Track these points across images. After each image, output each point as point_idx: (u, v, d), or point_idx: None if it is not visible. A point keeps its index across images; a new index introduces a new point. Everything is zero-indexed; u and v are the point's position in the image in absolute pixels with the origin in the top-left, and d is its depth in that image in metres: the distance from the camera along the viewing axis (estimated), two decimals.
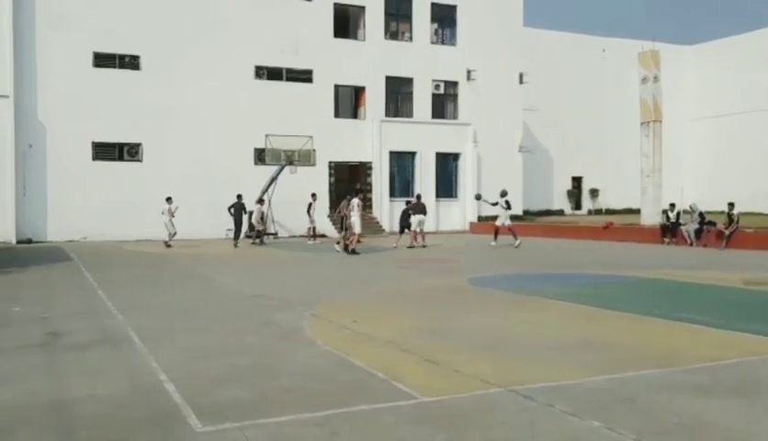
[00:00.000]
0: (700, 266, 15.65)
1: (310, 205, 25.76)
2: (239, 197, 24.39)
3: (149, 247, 23.30)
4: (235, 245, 23.53)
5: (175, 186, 26.71)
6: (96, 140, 27.51)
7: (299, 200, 26.95)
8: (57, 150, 26.78)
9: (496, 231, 23.12)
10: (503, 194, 23.05)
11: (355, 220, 19.96)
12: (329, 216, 21.66)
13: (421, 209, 23.10)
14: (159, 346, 7.30)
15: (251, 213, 26.12)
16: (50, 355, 7.01)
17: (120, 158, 28.00)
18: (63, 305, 10.54)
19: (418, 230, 22.80)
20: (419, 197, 24.43)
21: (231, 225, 24.63)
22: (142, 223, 26.62)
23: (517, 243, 22.09)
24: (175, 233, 23.64)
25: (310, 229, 25.69)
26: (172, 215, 23.63)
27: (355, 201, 20.30)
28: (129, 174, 27.79)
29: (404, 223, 23.02)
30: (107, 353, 7.09)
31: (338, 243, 20.85)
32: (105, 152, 27.69)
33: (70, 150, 26.93)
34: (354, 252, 19.41)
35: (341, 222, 20.94)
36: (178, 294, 11.84)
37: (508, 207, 23.14)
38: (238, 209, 24.14)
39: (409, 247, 22.06)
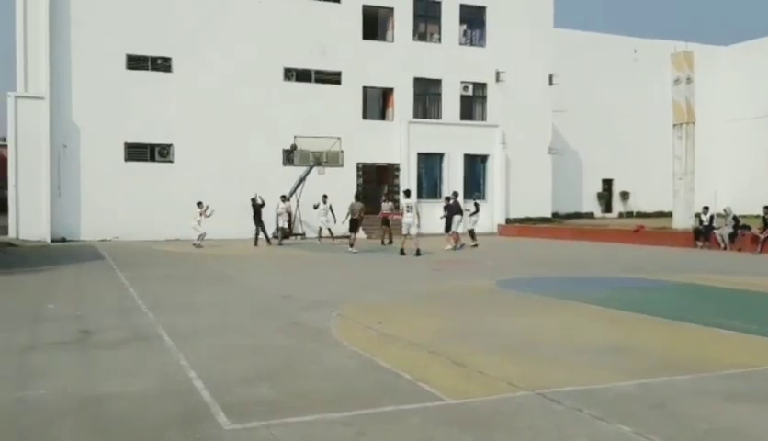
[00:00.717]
0: (733, 271, 15.36)
1: (316, 205, 26.08)
2: (253, 200, 24.67)
3: (179, 247, 23.60)
4: (255, 244, 24.14)
5: (205, 187, 27.04)
6: (129, 140, 27.97)
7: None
8: (90, 150, 27.27)
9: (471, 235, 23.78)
10: (477, 197, 24.07)
11: (410, 220, 19.78)
12: (352, 218, 21.55)
13: (457, 209, 22.90)
14: (188, 345, 7.39)
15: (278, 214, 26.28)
16: (83, 352, 7.16)
17: (152, 159, 28.42)
18: (96, 303, 10.74)
19: (460, 230, 22.75)
20: (455, 194, 24.04)
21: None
22: (173, 223, 26.96)
23: (448, 247, 22.08)
24: (204, 234, 23.94)
25: (321, 229, 25.89)
26: (202, 217, 23.93)
27: (407, 202, 20.15)
28: (160, 174, 28.18)
29: (448, 224, 22.81)
30: (138, 350, 7.22)
31: (351, 245, 20.91)
32: (137, 152, 28.14)
33: (103, 150, 27.41)
34: (417, 253, 19.10)
35: (356, 225, 21.09)
36: (207, 293, 11.99)
37: (476, 210, 24.12)
38: (256, 210, 24.48)
39: (454, 248, 21.95)
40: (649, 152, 40.81)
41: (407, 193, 20.91)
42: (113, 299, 11.23)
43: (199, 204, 24.23)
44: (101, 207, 27.06)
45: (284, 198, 26.19)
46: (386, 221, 25.55)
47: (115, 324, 8.76)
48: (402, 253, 19.46)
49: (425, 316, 9.36)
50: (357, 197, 22.56)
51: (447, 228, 22.59)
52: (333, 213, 25.77)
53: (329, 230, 26.00)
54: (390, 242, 24.53)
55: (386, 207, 27.04)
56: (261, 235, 24.64)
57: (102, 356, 6.94)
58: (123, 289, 12.37)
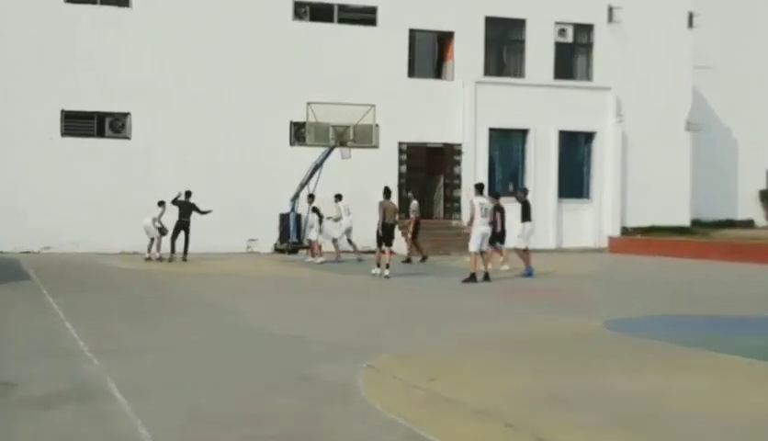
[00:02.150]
0: None
1: (337, 218, 26.13)
2: (188, 194, 24.97)
3: (138, 263, 23.85)
4: (167, 259, 24.55)
5: (176, 176, 27.21)
6: (67, 107, 28.36)
7: (354, 197, 27.02)
8: (9, 121, 27.61)
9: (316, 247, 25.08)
10: (311, 198, 25.42)
11: (482, 229, 19.73)
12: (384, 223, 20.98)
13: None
14: (150, 406, 7.44)
15: (288, 217, 26.39)
16: (1, 414, 7.26)
17: (100, 134, 28.83)
18: (17, 343, 10.88)
19: (522, 246, 22.09)
20: (525, 192, 23.62)
21: (253, 234, 25.15)
22: (129, 229, 27.20)
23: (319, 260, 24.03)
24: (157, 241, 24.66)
25: (310, 241, 25.93)
26: (158, 222, 24.61)
27: (481, 201, 19.91)
28: (112, 156, 28.45)
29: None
30: (77, 412, 7.28)
31: (378, 265, 20.77)
32: (78, 125, 28.54)
33: (28, 121, 27.77)
34: (486, 277, 19.37)
35: (390, 235, 20.79)
36: (179, 331, 12.04)
37: (320, 217, 25.03)
38: (184, 212, 24.75)
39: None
40: None
41: (479, 188, 20.58)
42: (43, 337, 11.36)
43: (161, 203, 24.74)
44: (24, 205, 27.26)
45: (312, 198, 26.26)
46: (416, 230, 25.69)
47: (45, 374, 8.85)
48: (487, 278, 19.37)
49: (498, 371, 9.30)
50: (388, 193, 21.98)
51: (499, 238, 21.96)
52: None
53: (349, 240, 26.11)
54: (424, 258, 24.94)
55: (413, 206, 27.08)
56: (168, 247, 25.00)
57: (26, 419, 7.03)
58: (57, 323, 12.49)
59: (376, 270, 20.82)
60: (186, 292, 17.47)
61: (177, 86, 28.85)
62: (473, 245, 19.47)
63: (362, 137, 27.79)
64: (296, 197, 28.38)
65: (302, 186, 27.96)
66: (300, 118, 28.28)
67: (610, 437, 6.67)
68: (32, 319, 13.13)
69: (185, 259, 24.46)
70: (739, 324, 13.41)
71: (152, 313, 14.08)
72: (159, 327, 12.48)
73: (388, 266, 20.54)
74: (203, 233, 25.93)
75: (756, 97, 39.51)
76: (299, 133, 29.35)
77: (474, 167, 31.55)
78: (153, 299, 16.04)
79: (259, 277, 20.63)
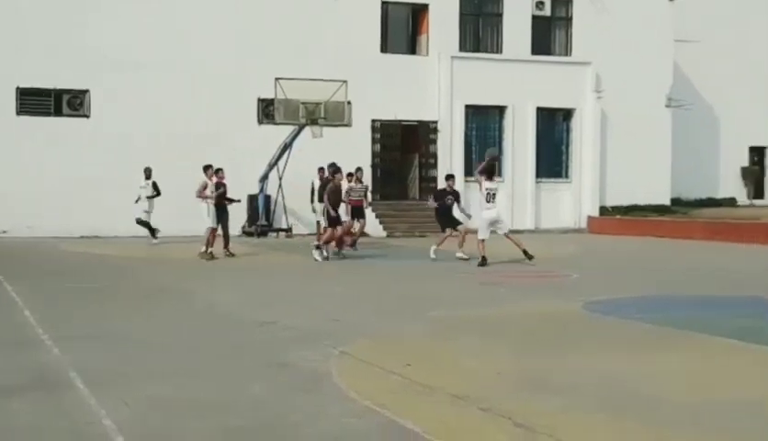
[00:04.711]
0: None
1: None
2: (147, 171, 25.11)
3: (101, 247, 23.74)
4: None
5: (139, 156, 27.10)
6: (23, 84, 28.18)
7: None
8: None
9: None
10: (148, 172, 24.91)
11: (495, 215, 19.58)
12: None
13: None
14: (114, 395, 7.40)
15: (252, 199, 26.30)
16: None
17: (58, 112, 28.67)
18: None
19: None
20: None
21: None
22: (91, 212, 27.08)
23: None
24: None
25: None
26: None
27: (488, 186, 19.67)
28: (71, 135, 28.27)
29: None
30: (37, 403, 7.24)
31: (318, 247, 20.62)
32: (35, 102, 28.37)
33: None
34: (483, 262, 19.02)
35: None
36: (144, 318, 12.01)
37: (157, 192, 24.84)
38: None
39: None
40: None
41: (489, 172, 20.28)
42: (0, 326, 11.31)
43: (147, 171, 24.99)
44: None
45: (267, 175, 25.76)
46: (359, 212, 23.05)
47: (3, 364, 8.81)
48: (484, 262, 19.10)
49: (477, 355, 9.34)
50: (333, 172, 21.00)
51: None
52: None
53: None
54: (353, 244, 22.70)
55: (352, 189, 23.40)
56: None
57: None
58: (14, 311, 12.42)
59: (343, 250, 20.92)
60: (150, 278, 17.41)
61: (139, 62, 28.55)
62: (480, 233, 19.50)
63: (333, 115, 27.63)
64: (265, 177, 28.31)
65: (271, 166, 27.89)
66: (269, 95, 28.09)
67: (589, 420, 6.70)
68: None
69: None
70: (721, 305, 13.48)
71: (115, 300, 14.02)
72: (123, 314, 12.42)
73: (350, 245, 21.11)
74: (167, 216, 25.82)
75: (739, 74, 39.75)
76: (267, 111, 29.24)
77: (450, 146, 31.61)
78: (116, 286, 15.98)
79: (226, 262, 20.54)
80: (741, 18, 39.83)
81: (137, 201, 24.99)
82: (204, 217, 20.75)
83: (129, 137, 28.24)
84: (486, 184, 19.63)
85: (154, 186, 24.95)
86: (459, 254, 20.28)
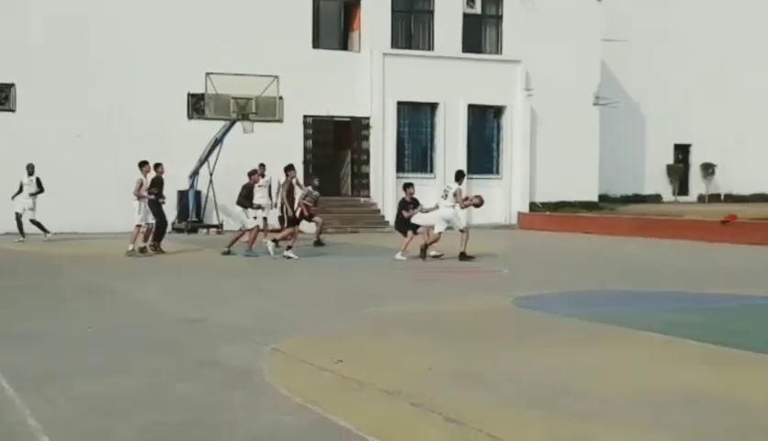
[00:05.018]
0: None
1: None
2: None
3: (21, 244, 23.38)
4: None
5: (65, 153, 26.70)
6: None
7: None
8: None
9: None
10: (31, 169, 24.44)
11: (450, 214, 19.89)
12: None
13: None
14: (40, 395, 7.33)
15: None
16: None
17: None
18: None
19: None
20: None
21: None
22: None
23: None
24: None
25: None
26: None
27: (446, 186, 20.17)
28: None
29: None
30: None
31: (274, 240, 20.71)
32: None
33: None
34: (464, 256, 19.41)
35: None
36: (68, 315, 11.87)
37: (40, 188, 24.35)
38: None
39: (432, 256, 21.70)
40: (747, 107, 41.27)
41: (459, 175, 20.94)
42: None
43: (30, 167, 24.37)
44: None
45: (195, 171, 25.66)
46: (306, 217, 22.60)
47: None
48: (424, 254, 19.54)
49: (409, 350, 9.39)
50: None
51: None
52: (270, 194, 25.51)
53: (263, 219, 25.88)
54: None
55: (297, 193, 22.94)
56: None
57: None
58: None
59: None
60: (76, 276, 17.15)
61: (66, 55, 28.21)
62: (437, 228, 19.87)
63: (265, 110, 27.46)
64: (195, 173, 28.09)
65: (201, 162, 27.68)
66: (199, 90, 27.79)
67: (520, 415, 6.79)
68: None
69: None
70: (649, 300, 13.71)
71: (40, 298, 13.81)
72: (49, 313, 12.25)
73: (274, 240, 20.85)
74: (96, 212, 25.47)
75: (666, 72, 40.42)
76: (197, 106, 28.98)
77: (383, 142, 31.68)
78: (41, 284, 15.74)
79: (157, 259, 20.35)
80: (668, 20, 40.49)
81: (13, 198, 24.51)
82: (135, 214, 20.50)
83: (55, 132, 27.75)
84: (454, 186, 20.23)
85: (38, 182, 24.50)
86: (434, 253, 20.38)
